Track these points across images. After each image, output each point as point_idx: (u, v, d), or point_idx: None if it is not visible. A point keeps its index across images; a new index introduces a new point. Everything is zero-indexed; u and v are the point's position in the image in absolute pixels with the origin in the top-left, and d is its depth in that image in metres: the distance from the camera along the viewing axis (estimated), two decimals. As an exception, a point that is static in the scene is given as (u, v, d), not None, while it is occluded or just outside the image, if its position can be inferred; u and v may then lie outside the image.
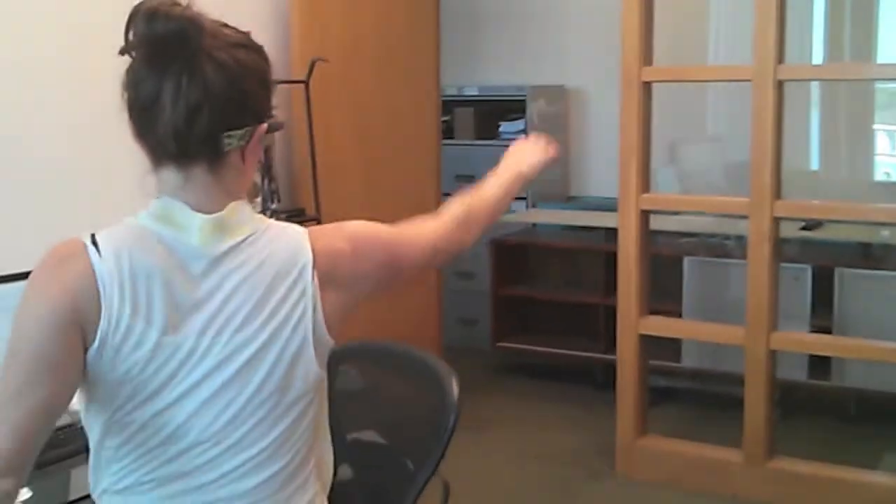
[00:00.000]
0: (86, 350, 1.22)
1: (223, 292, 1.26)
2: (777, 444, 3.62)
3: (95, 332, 1.21)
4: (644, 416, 3.83)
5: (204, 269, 1.25)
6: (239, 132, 1.24)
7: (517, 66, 5.62)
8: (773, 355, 3.52)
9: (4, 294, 2.42)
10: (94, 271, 1.21)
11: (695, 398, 4.52)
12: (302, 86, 3.45)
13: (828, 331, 4.07)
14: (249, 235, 1.29)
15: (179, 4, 1.21)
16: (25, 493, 1.96)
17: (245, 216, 1.30)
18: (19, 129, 2.79)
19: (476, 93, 5.44)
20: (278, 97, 3.49)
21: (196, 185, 1.25)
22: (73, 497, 1.41)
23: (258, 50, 1.30)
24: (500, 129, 5.42)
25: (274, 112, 1.33)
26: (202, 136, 1.21)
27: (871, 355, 3.55)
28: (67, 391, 1.23)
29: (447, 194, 5.11)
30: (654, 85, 3.62)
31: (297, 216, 3.53)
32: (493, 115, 5.44)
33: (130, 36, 1.21)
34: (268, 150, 3.27)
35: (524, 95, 5.29)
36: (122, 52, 1.23)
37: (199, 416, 1.26)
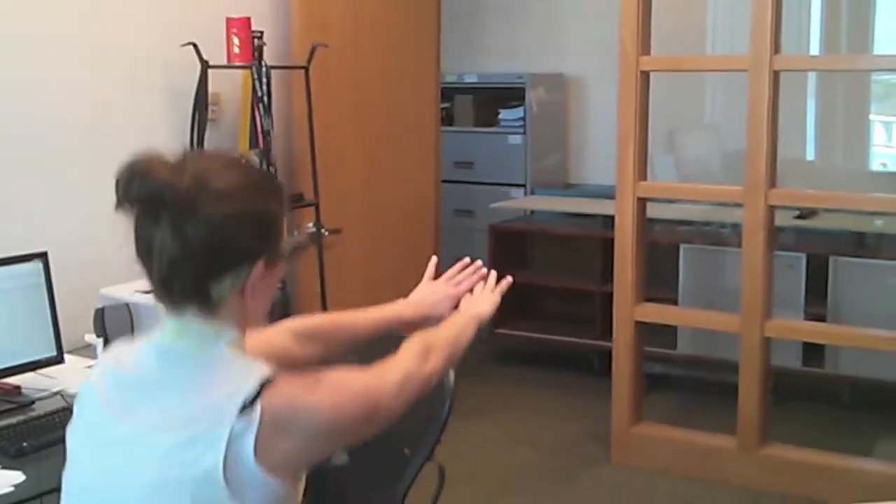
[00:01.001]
0: None
1: (160, 387, 1.28)
2: (771, 432, 3.65)
3: None
4: (639, 403, 3.87)
5: (154, 365, 1.30)
6: (229, 279, 1.26)
7: (517, 54, 5.63)
8: (767, 342, 3.55)
9: (20, 273, 2.46)
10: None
11: (690, 385, 4.56)
12: (302, 71, 3.46)
13: (822, 319, 4.10)
14: (206, 354, 1.29)
15: (160, 164, 1.23)
16: (18, 477, 1.99)
17: (218, 337, 1.29)
18: (32, 117, 2.83)
19: (476, 80, 5.45)
20: (278, 82, 3.50)
21: (190, 323, 1.29)
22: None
23: (257, 190, 1.29)
24: (500, 116, 5.43)
25: (280, 244, 1.31)
26: (186, 287, 1.25)
27: (865, 343, 3.58)
28: None
29: (446, 181, 5.11)
30: (653, 74, 3.63)
31: (295, 201, 3.55)
32: (493, 103, 5.45)
33: (119, 193, 1.25)
34: (267, 135, 3.29)
35: (524, 83, 5.30)
36: (116, 208, 1.25)
37: None
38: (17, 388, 2.43)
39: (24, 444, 2.10)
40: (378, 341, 1.73)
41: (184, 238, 1.22)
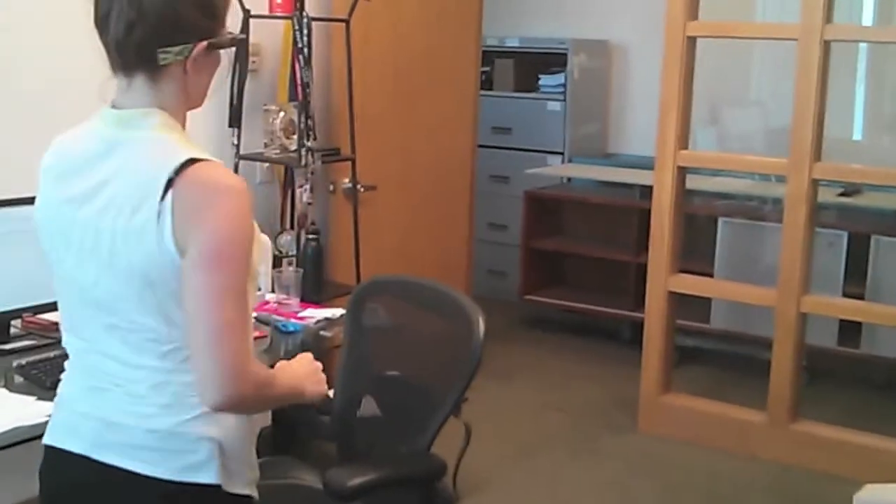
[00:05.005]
0: None
1: (107, 176, 1.43)
2: (802, 409, 3.61)
3: None
4: (669, 373, 3.84)
5: (101, 153, 1.45)
6: (175, 48, 1.42)
7: (560, 19, 5.56)
8: (803, 318, 3.50)
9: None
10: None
11: (722, 360, 4.52)
12: (343, 24, 3.44)
13: (860, 299, 4.03)
14: (139, 138, 1.43)
15: None
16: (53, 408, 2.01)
17: (146, 120, 1.43)
18: (63, 62, 2.83)
19: (517, 44, 5.40)
20: (318, 34, 3.48)
21: (136, 91, 1.45)
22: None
23: None
24: (540, 82, 5.38)
25: (222, 31, 1.48)
26: (137, 49, 1.41)
27: (903, 322, 3.52)
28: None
29: (483, 146, 5.08)
30: (699, 45, 3.57)
31: (332, 155, 3.55)
32: (534, 68, 5.40)
33: None
34: (306, 87, 3.27)
35: (566, 49, 5.24)
36: None
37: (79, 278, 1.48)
38: (55, 324, 2.45)
39: (60, 377, 2.12)
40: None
41: (139, 4, 1.39)
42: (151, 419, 1.45)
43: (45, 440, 1.57)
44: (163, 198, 1.36)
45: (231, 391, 1.38)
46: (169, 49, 1.41)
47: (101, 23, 1.42)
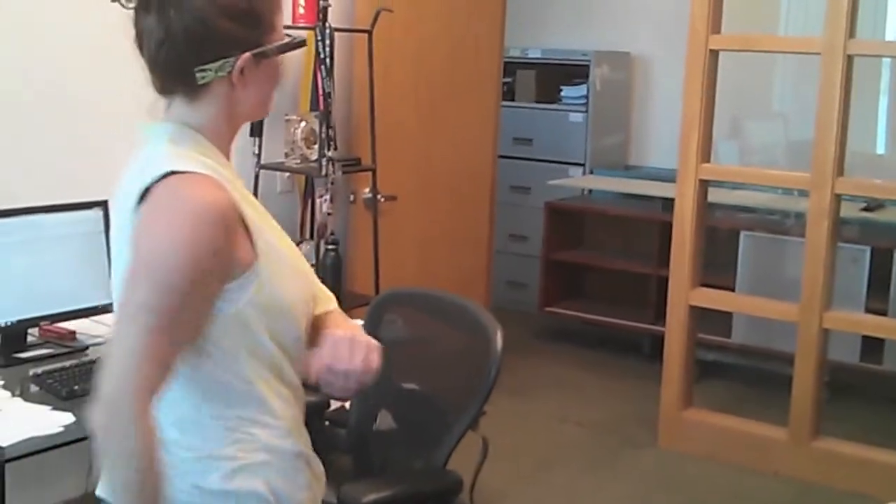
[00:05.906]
0: None
1: (126, 190, 1.36)
2: (824, 425, 3.57)
3: None
4: (690, 388, 3.81)
5: (131, 169, 1.37)
6: (213, 65, 1.31)
7: (582, 31, 5.54)
8: (825, 334, 3.46)
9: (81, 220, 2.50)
10: None
11: (743, 375, 4.48)
12: (365, 35, 3.44)
13: (884, 315, 3.99)
14: (148, 151, 1.35)
15: None
16: (68, 418, 2.01)
17: (158, 133, 1.35)
18: (100, 66, 2.85)
19: (539, 55, 5.39)
20: (340, 45, 3.48)
21: (174, 110, 1.36)
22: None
23: None
24: (562, 93, 5.37)
25: (271, 38, 1.34)
26: (170, 71, 1.33)
27: (928, 341, 3.47)
28: None
29: (504, 156, 5.05)
30: (721, 58, 3.54)
31: (352, 165, 3.55)
32: (555, 79, 5.38)
33: None
34: (328, 97, 3.28)
35: (588, 60, 5.22)
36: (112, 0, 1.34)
37: None
38: (73, 332, 2.47)
39: (76, 386, 2.13)
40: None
41: (167, 23, 1.30)
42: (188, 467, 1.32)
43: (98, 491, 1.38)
44: (137, 209, 1.29)
45: (95, 416, 1.21)
46: (207, 67, 1.30)
47: (137, 42, 1.34)
